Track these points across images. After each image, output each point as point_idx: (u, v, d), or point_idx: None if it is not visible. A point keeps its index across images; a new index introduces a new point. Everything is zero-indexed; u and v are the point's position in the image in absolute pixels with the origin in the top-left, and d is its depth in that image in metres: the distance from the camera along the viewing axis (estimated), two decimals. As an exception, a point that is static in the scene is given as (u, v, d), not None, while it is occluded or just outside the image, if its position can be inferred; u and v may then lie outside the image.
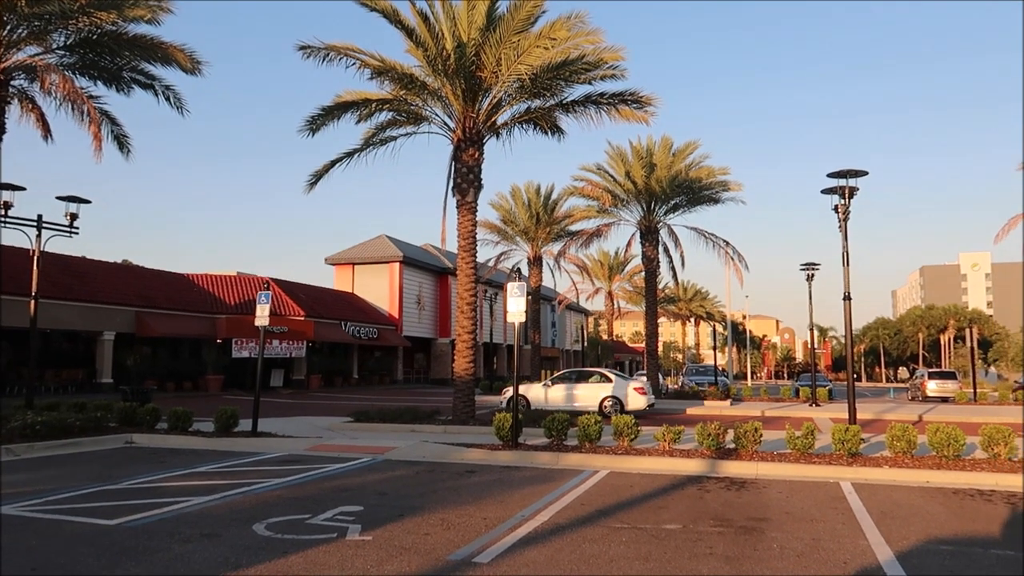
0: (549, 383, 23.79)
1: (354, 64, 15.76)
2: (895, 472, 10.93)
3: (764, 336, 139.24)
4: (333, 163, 18.54)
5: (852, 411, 15.12)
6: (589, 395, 22.93)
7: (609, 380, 23.42)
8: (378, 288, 52.11)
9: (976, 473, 10.70)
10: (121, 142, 18.54)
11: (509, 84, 17.05)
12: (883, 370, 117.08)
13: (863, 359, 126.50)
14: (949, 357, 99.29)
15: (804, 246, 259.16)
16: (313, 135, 17.11)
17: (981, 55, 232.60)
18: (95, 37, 16.72)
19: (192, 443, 14.63)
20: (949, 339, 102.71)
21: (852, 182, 14.75)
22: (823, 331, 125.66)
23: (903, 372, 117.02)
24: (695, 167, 30.75)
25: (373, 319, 49.62)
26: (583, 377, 24.08)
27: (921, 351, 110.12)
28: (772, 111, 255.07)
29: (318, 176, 18.55)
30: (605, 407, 22.40)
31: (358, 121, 19.50)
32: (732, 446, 12.62)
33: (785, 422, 22.62)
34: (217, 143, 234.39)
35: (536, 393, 23.40)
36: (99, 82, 17.88)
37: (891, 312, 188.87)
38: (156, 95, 18.17)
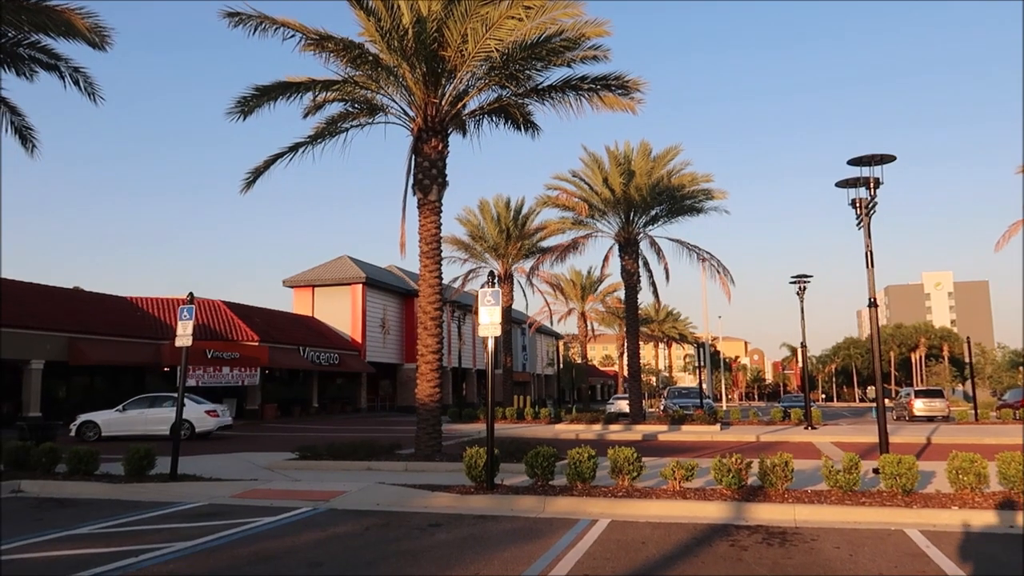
0: (121, 408, 24.54)
1: (292, 37, 13.38)
2: (968, 514, 8.72)
3: (736, 357, 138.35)
4: (275, 158, 16.07)
5: (883, 436, 12.96)
6: (163, 419, 23.76)
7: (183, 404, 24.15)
8: (340, 311, 49.33)
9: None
10: (24, 136, 15.86)
11: (477, 65, 14.83)
12: (855, 389, 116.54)
13: (834, 379, 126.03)
14: (921, 375, 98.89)
15: (774, 266, 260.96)
16: (244, 118, 14.62)
17: (955, 73, 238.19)
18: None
19: (93, 491, 11.91)
20: (920, 357, 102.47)
21: (876, 171, 12.72)
22: (794, 351, 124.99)
23: (872, 391, 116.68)
24: (676, 174, 28.78)
25: (334, 344, 46.76)
26: (157, 402, 25.04)
27: (892, 370, 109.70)
28: (740, 128, 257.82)
29: (257, 173, 16.06)
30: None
31: (305, 115, 17.16)
32: (757, 483, 10.33)
33: (783, 447, 20.58)
34: (167, 162, 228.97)
35: (107, 418, 23.88)
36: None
37: (857, 332, 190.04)
38: (62, 78, 15.54)
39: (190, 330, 13.03)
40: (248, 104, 14.56)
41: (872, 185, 12.70)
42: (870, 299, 13.20)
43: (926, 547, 7.62)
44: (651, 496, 9.98)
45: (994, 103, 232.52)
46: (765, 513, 9.22)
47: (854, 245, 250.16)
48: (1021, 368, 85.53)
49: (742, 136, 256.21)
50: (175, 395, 24.33)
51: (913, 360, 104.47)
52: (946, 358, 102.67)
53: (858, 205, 13.38)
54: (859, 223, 13.44)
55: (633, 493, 10.21)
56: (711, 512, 9.35)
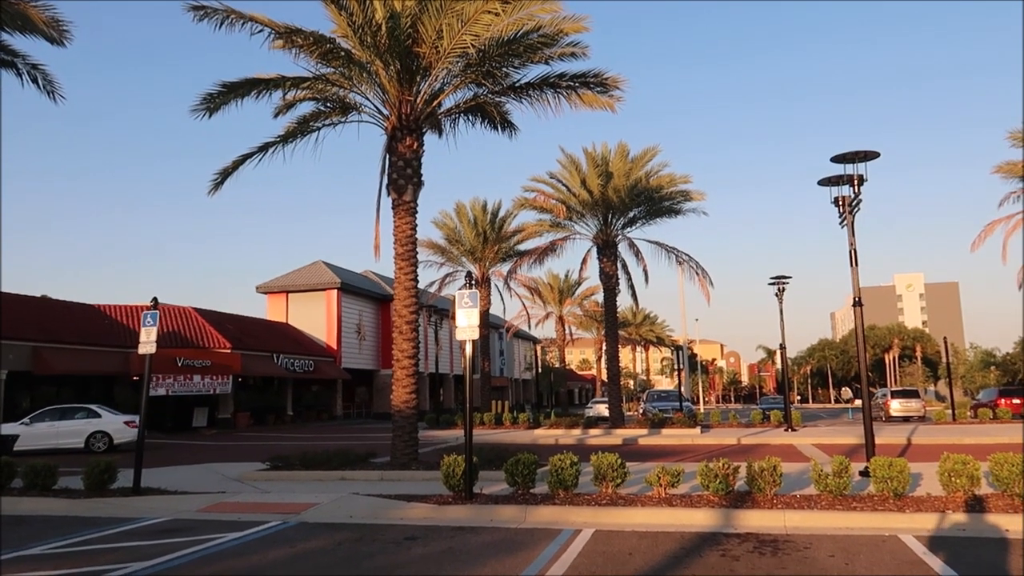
0: (28, 421, 22.95)
1: (260, 32, 12.84)
2: (963, 518, 8.45)
3: (713, 360, 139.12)
4: (244, 158, 15.49)
5: (870, 437, 12.72)
6: (76, 431, 22.88)
7: (98, 415, 23.73)
8: (314, 317, 48.56)
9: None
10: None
11: (453, 62, 14.42)
12: (830, 391, 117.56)
13: (809, 380, 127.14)
14: (895, 376, 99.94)
15: (748, 269, 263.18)
16: (211, 115, 14.02)
17: (925, 77, 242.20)
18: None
19: (50, 507, 11.29)
20: (894, 358, 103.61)
21: (860, 168, 12.51)
22: (770, 353, 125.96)
23: (847, 392, 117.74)
24: (655, 175, 28.54)
25: (309, 351, 46.02)
26: (68, 413, 23.81)
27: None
28: (713, 134, 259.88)
29: (225, 174, 15.47)
30: (94, 443, 22.81)
31: (276, 114, 16.64)
32: (745, 488, 10.01)
33: (765, 450, 20.39)
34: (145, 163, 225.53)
35: (13, 431, 22.27)
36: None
37: (831, 334, 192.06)
38: (19, 75, 14.86)
39: (154, 336, 12.46)
40: (214, 101, 13.99)
41: (856, 182, 12.49)
42: (855, 298, 12.99)
43: (923, 554, 7.33)
44: (636, 504, 9.61)
45: (966, 107, 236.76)
46: (755, 520, 8.90)
47: (827, 248, 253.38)
48: (993, 368, 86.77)
49: (715, 142, 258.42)
50: (89, 406, 24.46)
51: (887, 361, 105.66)
52: (919, 358, 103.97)
53: (841, 203, 13.18)
54: (842, 221, 13.23)
55: (617, 501, 9.84)
56: (699, 520, 9.00)
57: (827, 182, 13.43)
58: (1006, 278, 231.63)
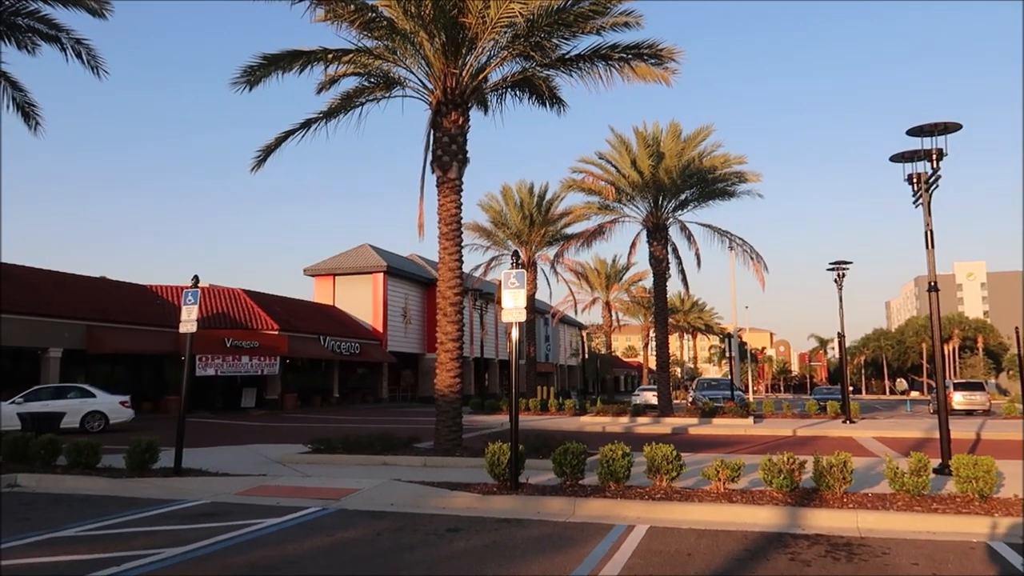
0: (21, 399, 22.08)
1: (301, 1, 12.43)
2: (1061, 525, 7.63)
3: (763, 348, 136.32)
4: (287, 134, 15.18)
5: (945, 432, 11.82)
6: (71, 410, 22.09)
7: (92, 395, 23.36)
8: (361, 300, 48.68)
9: None
10: (27, 112, 15.14)
11: (500, 33, 13.82)
12: (885, 381, 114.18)
13: (863, 370, 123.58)
14: (956, 367, 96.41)
15: (797, 256, 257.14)
16: (251, 88, 13.72)
17: (981, 55, 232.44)
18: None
19: (91, 486, 11.18)
20: (954, 348, 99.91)
21: (939, 142, 11.55)
22: (823, 342, 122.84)
23: (901, 383, 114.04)
24: (708, 155, 27.47)
25: (355, 333, 46.14)
26: (60, 393, 23.26)
27: (924, 362, 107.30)
28: (766, 112, 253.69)
29: (268, 150, 15.17)
30: (89, 424, 22.51)
31: (319, 90, 16.28)
32: (810, 484, 9.30)
33: (823, 443, 19.47)
34: (199, 152, 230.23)
35: (7, 411, 21.00)
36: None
37: (885, 323, 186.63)
38: (64, 50, 14.76)
39: (195, 315, 12.24)
40: (255, 73, 13.66)
41: (935, 157, 11.53)
42: (931, 283, 12.07)
43: (1022, 565, 6.58)
44: (692, 499, 8.99)
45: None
46: (824, 520, 8.20)
47: (881, 236, 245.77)
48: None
49: (769, 120, 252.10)
50: (82, 386, 24.35)
51: (946, 352, 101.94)
52: (981, 350, 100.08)
53: (916, 180, 12.22)
54: (917, 200, 12.29)
55: (672, 495, 9.23)
56: (762, 518, 8.34)
57: (900, 158, 12.48)
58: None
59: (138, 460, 11.86)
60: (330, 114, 15.52)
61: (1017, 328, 32.38)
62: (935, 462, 11.04)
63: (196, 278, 12.33)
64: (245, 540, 7.69)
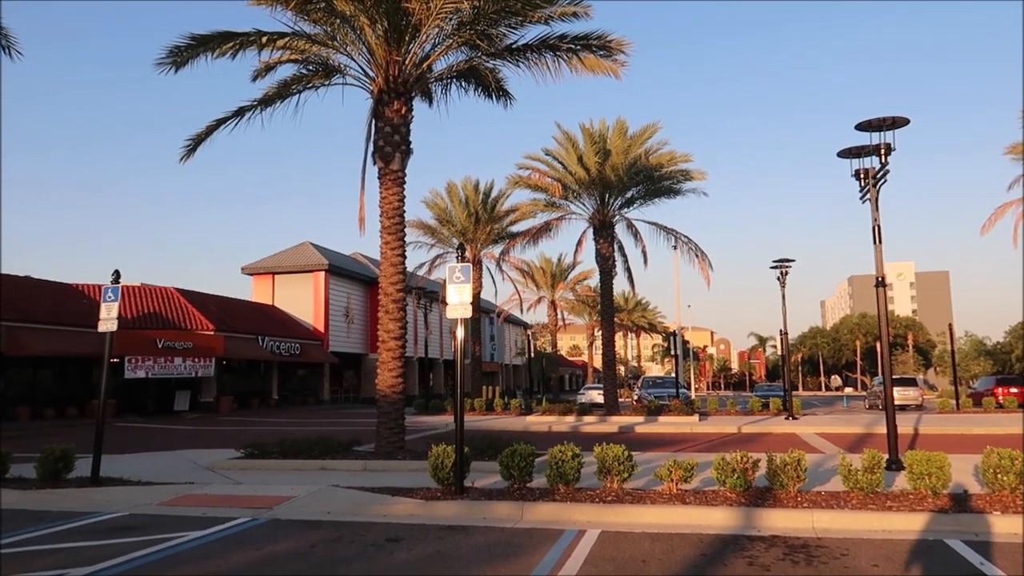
0: None
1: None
2: (1015, 521, 7.54)
3: (704, 347, 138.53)
4: (219, 123, 14.34)
5: (892, 427, 11.81)
6: None
7: None
8: (302, 300, 47.42)
9: None
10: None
11: (445, 19, 13.30)
12: (821, 378, 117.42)
13: (800, 367, 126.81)
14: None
15: (738, 256, 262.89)
16: (177, 71, 12.88)
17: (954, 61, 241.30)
18: None
19: (-3, 499, 10.24)
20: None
21: (888, 137, 11.52)
22: (762, 340, 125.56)
23: (836, 379, 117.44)
24: (654, 153, 27.46)
25: (295, 333, 44.89)
26: None
27: (858, 359, 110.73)
28: (712, 113, 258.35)
29: (198, 140, 14.34)
30: None
31: (255, 78, 15.49)
32: (763, 483, 9.08)
33: (768, 439, 19.53)
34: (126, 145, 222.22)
35: None
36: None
37: (820, 322, 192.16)
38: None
39: (115, 313, 11.37)
40: (182, 55, 12.80)
41: (883, 151, 11.49)
42: (878, 278, 12.07)
43: (980, 564, 6.41)
44: (646, 501, 8.66)
45: (959, 92, 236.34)
46: (780, 520, 7.96)
47: (816, 236, 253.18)
48: (983, 357, 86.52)
49: (715, 121, 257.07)
50: None
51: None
52: (911, 347, 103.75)
53: (863, 176, 12.19)
54: (864, 195, 12.26)
55: (624, 497, 8.88)
56: (717, 520, 8.06)
57: (848, 154, 12.45)
58: (997, 266, 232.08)
59: (51, 469, 10.95)
60: (265, 102, 14.75)
61: (950, 324, 33.40)
62: (884, 457, 11.01)
63: (117, 273, 11.46)
64: (162, 557, 7.01)
